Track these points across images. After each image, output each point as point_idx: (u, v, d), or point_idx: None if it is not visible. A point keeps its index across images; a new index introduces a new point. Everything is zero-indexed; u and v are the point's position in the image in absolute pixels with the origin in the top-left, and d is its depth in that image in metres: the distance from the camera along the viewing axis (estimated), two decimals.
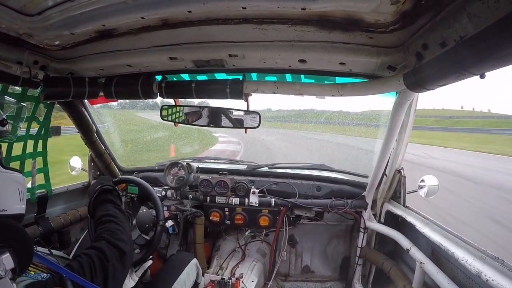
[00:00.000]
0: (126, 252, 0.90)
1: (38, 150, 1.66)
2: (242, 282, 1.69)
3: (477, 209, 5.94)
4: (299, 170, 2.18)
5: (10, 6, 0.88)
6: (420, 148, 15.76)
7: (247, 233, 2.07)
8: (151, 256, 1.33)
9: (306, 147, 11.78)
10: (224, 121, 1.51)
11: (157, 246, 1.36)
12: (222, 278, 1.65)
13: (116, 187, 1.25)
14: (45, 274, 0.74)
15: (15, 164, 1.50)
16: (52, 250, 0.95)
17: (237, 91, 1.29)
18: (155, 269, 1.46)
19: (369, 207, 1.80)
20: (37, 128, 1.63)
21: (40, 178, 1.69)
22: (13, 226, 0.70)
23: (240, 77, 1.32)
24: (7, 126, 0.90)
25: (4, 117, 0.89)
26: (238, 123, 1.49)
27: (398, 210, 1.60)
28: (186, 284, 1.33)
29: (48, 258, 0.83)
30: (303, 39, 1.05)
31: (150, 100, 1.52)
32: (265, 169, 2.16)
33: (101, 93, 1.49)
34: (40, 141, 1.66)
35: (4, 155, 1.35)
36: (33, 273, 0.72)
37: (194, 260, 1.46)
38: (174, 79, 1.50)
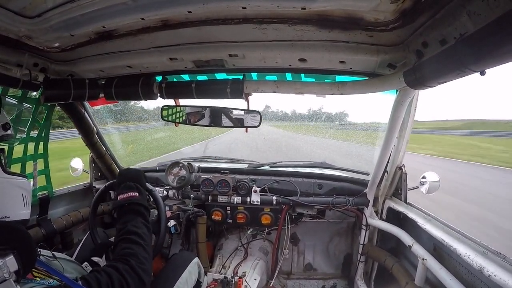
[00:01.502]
0: (146, 283, 0.87)
1: (39, 152, 1.66)
2: (245, 280, 1.70)
3: None
4: (300, 168, 2.18)
5: (9, 8, 0.88)
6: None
7: (249, 231, 2.08)
8: None
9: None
10: (225, 120, 1.51)
11: (159, 251, 1.36)
12: (225, 276, 1.66)
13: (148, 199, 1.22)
14: (52, 280, 0.73)
15: (16, 166, 1.50)
16: (55, 253, 0.93)
17: (238, 90, 1.29)
18: (157, 268, 1.47)
19: (370, 204, 1.81)
20: (37, 131, 1.63)
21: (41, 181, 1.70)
22: (16, 228, 0.70)
23: (241, 77, 1.32)
24: (10, 130, 0.89)
25: (8, 121, 0.87)
26: (238, 123, 1.50)
27: (400, 207, 1.61)
28: (188, 283, 1.33)
29: (55, 267, 0.82)
30: (303, 38, 1.05)
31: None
32: (266, 167, 2.17)
33: (102, 95, 1.48)
34: (41, 143, 1.67)
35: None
36: (38, 279, 0.72)
37: (196, 259, 1.46)
38: (174, 79, 1.51)
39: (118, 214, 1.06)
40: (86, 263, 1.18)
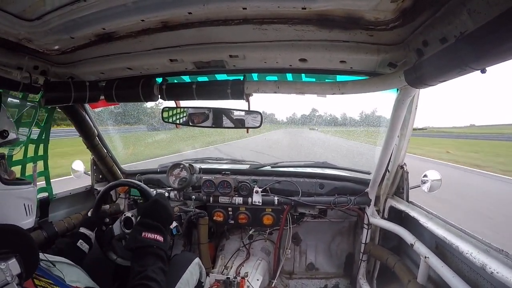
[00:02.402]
0: None
1: (39, 154, 1.66)
2: (248, 281, 1.70)
3: None
4: (302, 168, 2.19)
5: (9, 11, 0.88)
6: None
7: (251, 232, 2.08)
8: None
9: None
10: (226, 121, 1.51)
11: None
12: (227, 277, 1.66)
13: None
14: None
15: (16, 169, 1.50)
16: (54, 257, 0.89)
17: (238, 91, 1.29)
18: None
19: (372, 203, 1.81)
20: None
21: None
22: (19, 231, 0.70)
23: (241, 78, 1.32)
24: (10, 136, 0.83)
25: (6, 128, 0.82)
26: (239, 123, 1.50)
27: (402, 206, 1.61)
28: (189, 284, 1.32)
29: (56, 273, 0.81)
30: (303, 38, 1.06)
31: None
32: (268, 168, 2.17)
33: (102, 97, 1.48)
34: (41, 145, 1.67)
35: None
36: None
37: (197, 259, 1.45)
38: (175, 81, 1.50)
39: (138, 252, 1.00)
40: (81, 240, 1.19)
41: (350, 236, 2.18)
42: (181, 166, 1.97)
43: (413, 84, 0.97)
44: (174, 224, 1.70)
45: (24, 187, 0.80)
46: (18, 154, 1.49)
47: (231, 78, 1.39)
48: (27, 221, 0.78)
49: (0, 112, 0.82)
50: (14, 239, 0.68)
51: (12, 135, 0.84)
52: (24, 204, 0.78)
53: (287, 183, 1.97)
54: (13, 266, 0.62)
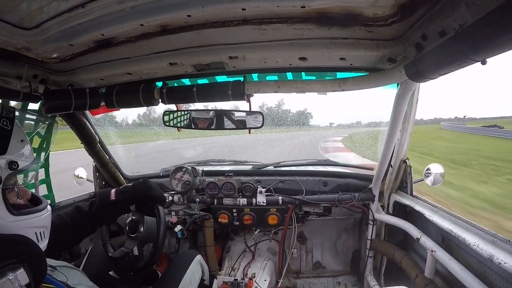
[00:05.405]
0: None
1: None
2: (255, 281, 1.69)
3: None
4: (304, 166, 2.19)
5: (6, 20, 0.88)
6: None
7: (256, 232, 2.08)
8: None
9: None
10: (227, 123, 1.52)
11: (161, 251, 1.33)
12: (235, 279, 1.65)
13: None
14: None
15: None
16: (53, 261, 0.87)
17: (239, 92, 1.29)
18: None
19: (376, 199, 1.81)
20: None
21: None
22: (25, 241, 0.70)
23: (241, 79, 1.32)
24: (21, 165, 0.73)
25: (16, 159, 0.72)
26: (241, 124, 1.50)
27: (406, 200, 1.61)
28: (192, 283, 1.31)
29: (60, 278, 0.80)
30: (303, 37, 1.06)
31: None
32: (270, 168, 2.17)
33: (103, 103, 1.48)
34: (42, 154, 1.66)
35: None
36: None
37: (198, 257, 1.44)
38: (175, 84, 1.50)
39: None
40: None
41: (356, 233, 2.17)
42: (184, 169, 1.97)
43: (413, 78, 0.98)
44: (179, 227, 1.70)
45: (36, 215, 0.75)
46: None
47: (231, 79, 1.39)
48: (40, 247, 0.74)
49: (11, 138, 0.72)
50: (21, 249, 0.67)
51: (23, 164, 0.75)
52: (36, 233, 0.75)
53: (290, 182, 1.97)
54: (21, 276, 0.62)
